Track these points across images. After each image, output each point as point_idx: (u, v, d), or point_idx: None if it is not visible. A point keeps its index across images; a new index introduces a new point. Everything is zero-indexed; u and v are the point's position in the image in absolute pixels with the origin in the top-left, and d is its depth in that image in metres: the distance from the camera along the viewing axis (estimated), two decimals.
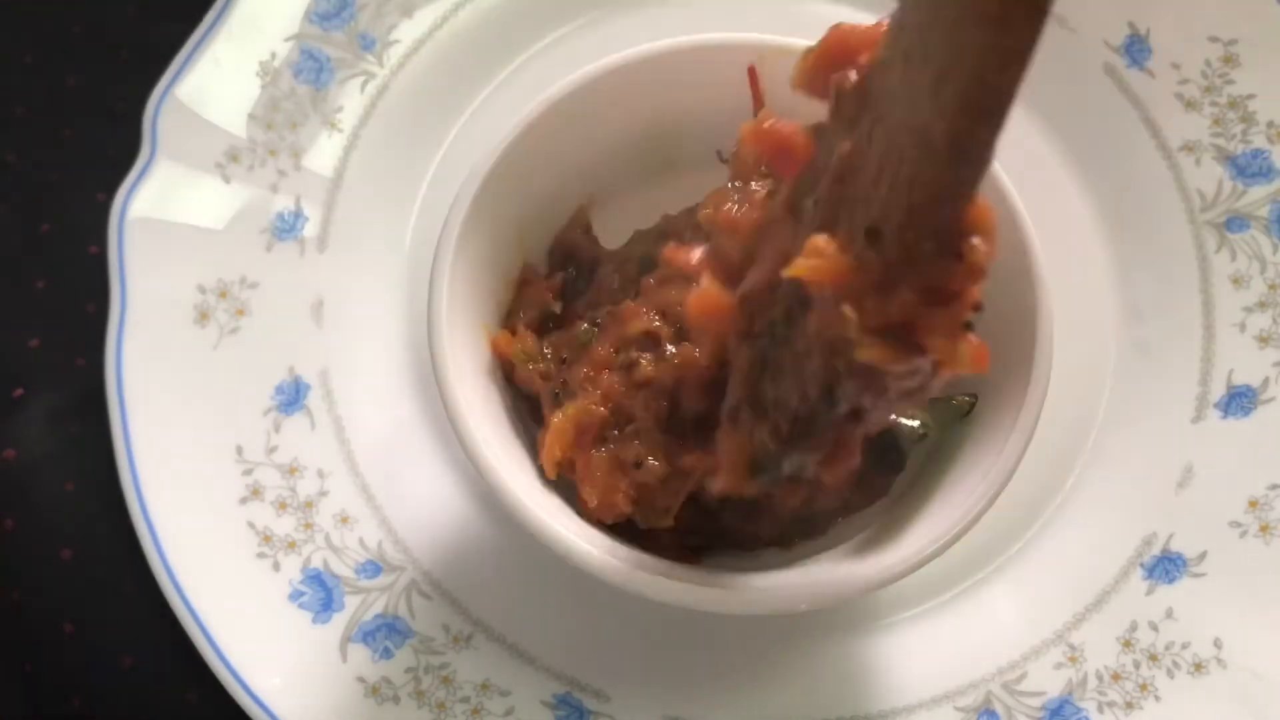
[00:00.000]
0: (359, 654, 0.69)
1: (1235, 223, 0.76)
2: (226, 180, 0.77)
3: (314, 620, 0.69)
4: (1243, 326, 0.74)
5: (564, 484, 0.62)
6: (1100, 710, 0.67)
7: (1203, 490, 0.71)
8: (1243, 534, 0.70)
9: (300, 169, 0.78)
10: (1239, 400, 0.73)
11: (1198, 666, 0.68)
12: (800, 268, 0.41)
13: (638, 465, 0.59)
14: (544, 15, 0.82)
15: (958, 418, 0.63)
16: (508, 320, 0.67)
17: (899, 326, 0.39)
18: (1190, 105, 0.78)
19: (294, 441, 0.73)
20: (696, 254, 0.58)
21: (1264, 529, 0.70)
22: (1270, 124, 0.77)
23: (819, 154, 0.48)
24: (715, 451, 0.57)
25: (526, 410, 0.66)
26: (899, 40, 0.41)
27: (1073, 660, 0.69)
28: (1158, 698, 0.67)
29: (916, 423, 0.62)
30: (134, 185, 0.75)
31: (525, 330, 0.65)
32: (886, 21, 0.42)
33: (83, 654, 0.72)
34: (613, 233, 0.70)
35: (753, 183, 0.58)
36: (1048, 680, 0.68)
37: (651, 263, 0.64)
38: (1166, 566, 0.70)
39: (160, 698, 0.71)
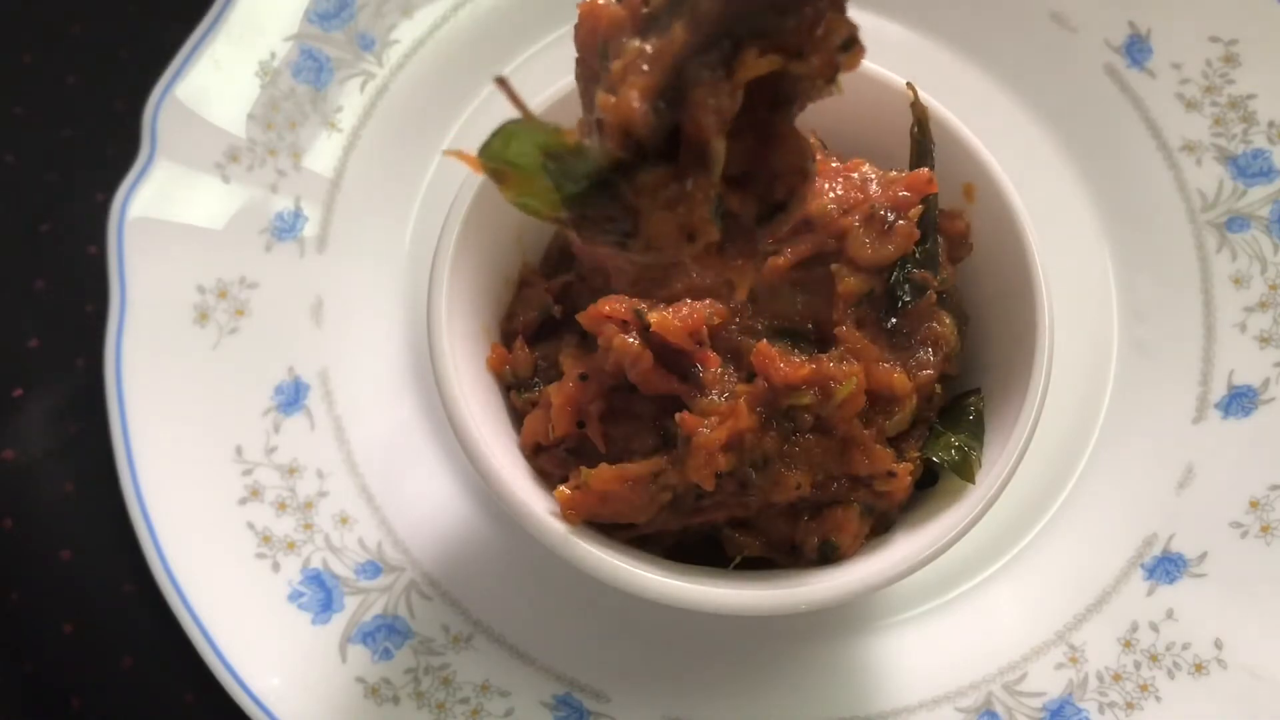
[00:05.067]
0: (359, 654, 0.69)
1: (1236, 223, 0.76)
2: (226, 180, 0.77)
3: (314, 621, 0.69)
4: (1243, 327, 0.74)
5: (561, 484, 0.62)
6: (1101, 711, 0.67)
7: (1203, 491, 0.71)
8: (1243, 534, 0.70)
9: (300, 169, 0.78)
10: (1239, 400, 0.73)
11: (1198, 667, 0.67)
12: None
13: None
14: (544, 15, 0.82)
15: (966, 419, 0.63)
16: (507, 322, 0.67)
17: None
18: (1191, 105, 0.78)
19: (294, 442, 0.73)
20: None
21: (1265, 529, 0.70)
22: (1271, 124, 0.77)
23: None
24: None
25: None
26: None
27: (1073, 661, 0.69)
28: (1158, 698, 0.67)
29: (953, 449, 0.61)
30: (133, 185, 0.75)
31: (521, 344, 0.65)
32: None
33: (83, 654, 0.72)
34: None
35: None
36: (1048, 681, 0.68)
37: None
38: (1167, 567, 0.70)
39: (160, 698, 0.71)
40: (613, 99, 0.43)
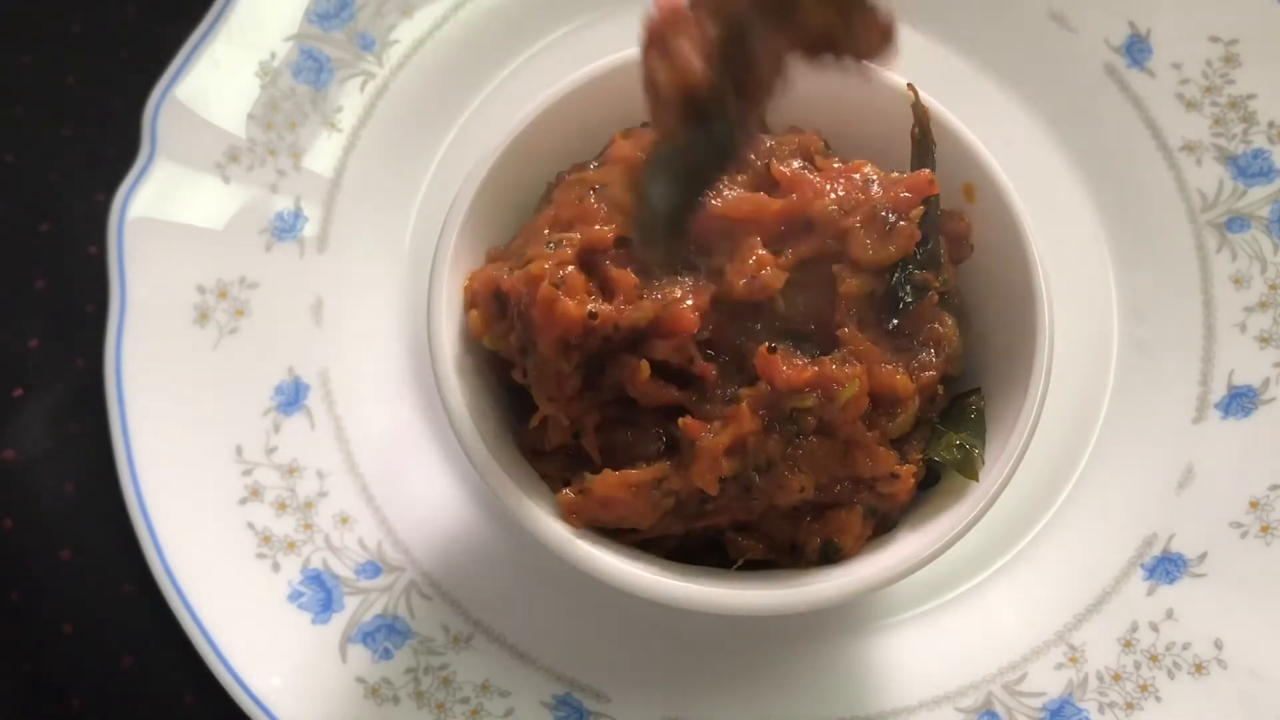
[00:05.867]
0: (359, 654, 0.69)
1: (1236, 223, 0.76)
2: (226, 180, 0.77)
3: (314, 621, 0.69)
4: (1243, 327, 0.74)
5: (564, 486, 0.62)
6: (1101, 711, 0.67)
7: (1203, 491, 0.71)
8: (1243, 534, 0.70)
9: (300, 169, 0.78)
10: (1239, 400, 0.73)
11: (1198, 667, 0.67)
12: None
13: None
14: (544, 15, 0.82)
15: (968, 418, 0.63)
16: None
17: None
18: (1191, 105, 0.78)
19: (293, 442, 0.73)
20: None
21: (1265, 529, 0.70)
22: (1271, 124, 0.77)
23: None
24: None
25: (523, 409, 0.65)
26: None
27: (1073, 661, 0.69)
28: (1158, 698, 0.67)
29: (955, 448, 0.61)
30: (133, 185, 0.75)
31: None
32: None
33: (83, 654, 0.72)
34: None
35: None
36: (1048, 681, 0.68)
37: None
38: (1167, 567, 0.70)
39: (160, 698, 0.71)
40: (673, 64, 0.48)
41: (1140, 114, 0.78)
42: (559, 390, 0.58)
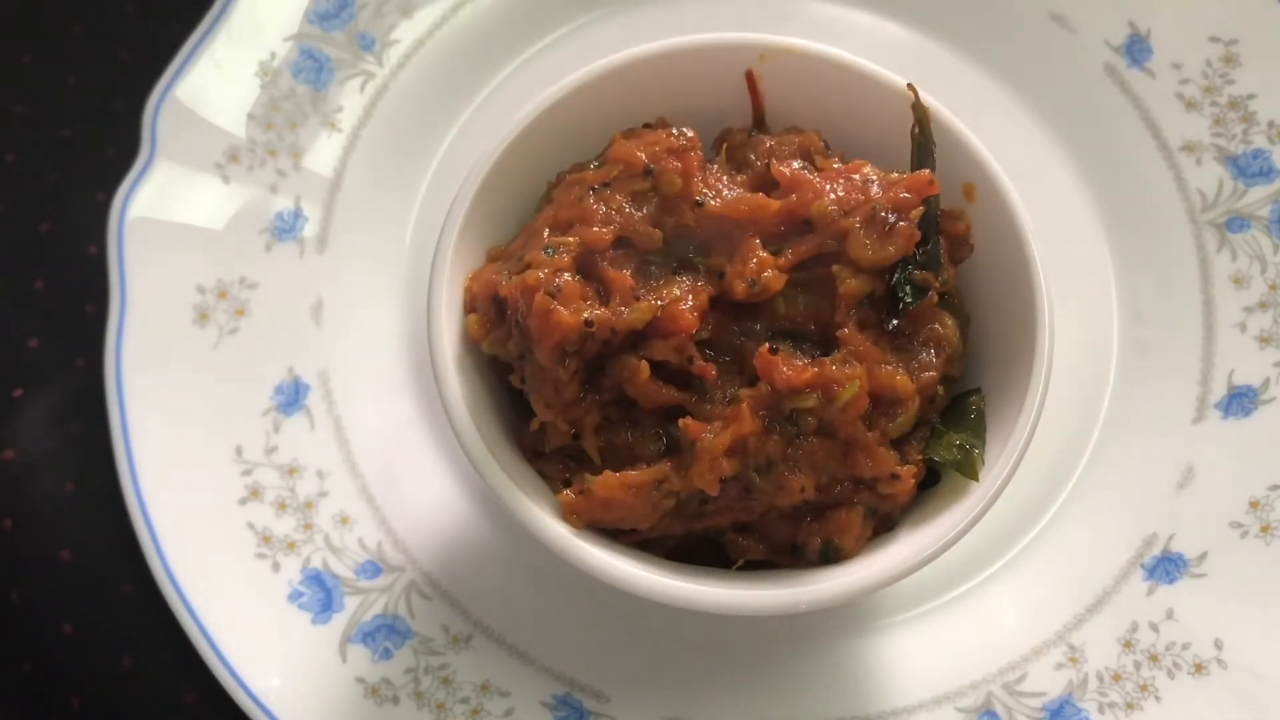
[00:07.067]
0: (359, 654, 0.69)
1: (1236, 223, 0.76)
2: (226, 180, 0.77)
3: (313, 620, 0.69)
4: (1243, 327, 0.74)
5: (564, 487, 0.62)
6: (1101, 711, 0.67)
7: (1203, 491, 0.71)
8: (1243, 534, 0.70)
9: (300, 169, 0.78)
10: (1240, 400, 0.73)
11: (1198, 667, 0.67)
12: None
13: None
14: (544, 15, 0.82)
15: (968, 418, 0.63)
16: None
17: None
18: (1191, 105, 0.78)
19: (293, 442, 0.73)
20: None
21: (1265, 530, 0.70)
22: (1271, 124, 0.77)
23: None
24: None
25: (523, 409, 0.65)
26: None
27: (1073, 661, 0.69)
28: (1158, 698, 0.67)
29: (955, 448, 0.61)
30: (133, 185, 0.75)
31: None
32: None
33: (83, 654, 0.72)
34: None
35: None
36: (1048, 681, 0.68)
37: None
38: (1167, 567, 0.70)
39: (160, 698, 0.71)
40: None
41: (1140, 114, 0.78)
42: (557, 397, 0.58)
